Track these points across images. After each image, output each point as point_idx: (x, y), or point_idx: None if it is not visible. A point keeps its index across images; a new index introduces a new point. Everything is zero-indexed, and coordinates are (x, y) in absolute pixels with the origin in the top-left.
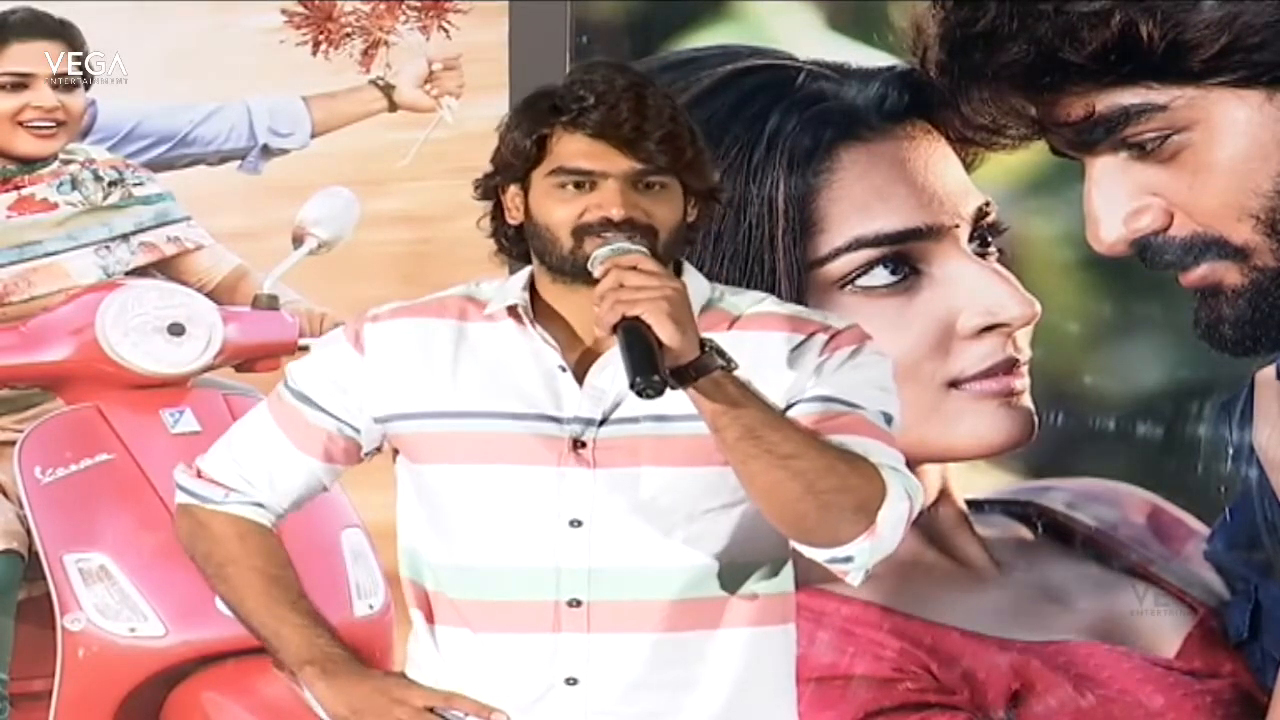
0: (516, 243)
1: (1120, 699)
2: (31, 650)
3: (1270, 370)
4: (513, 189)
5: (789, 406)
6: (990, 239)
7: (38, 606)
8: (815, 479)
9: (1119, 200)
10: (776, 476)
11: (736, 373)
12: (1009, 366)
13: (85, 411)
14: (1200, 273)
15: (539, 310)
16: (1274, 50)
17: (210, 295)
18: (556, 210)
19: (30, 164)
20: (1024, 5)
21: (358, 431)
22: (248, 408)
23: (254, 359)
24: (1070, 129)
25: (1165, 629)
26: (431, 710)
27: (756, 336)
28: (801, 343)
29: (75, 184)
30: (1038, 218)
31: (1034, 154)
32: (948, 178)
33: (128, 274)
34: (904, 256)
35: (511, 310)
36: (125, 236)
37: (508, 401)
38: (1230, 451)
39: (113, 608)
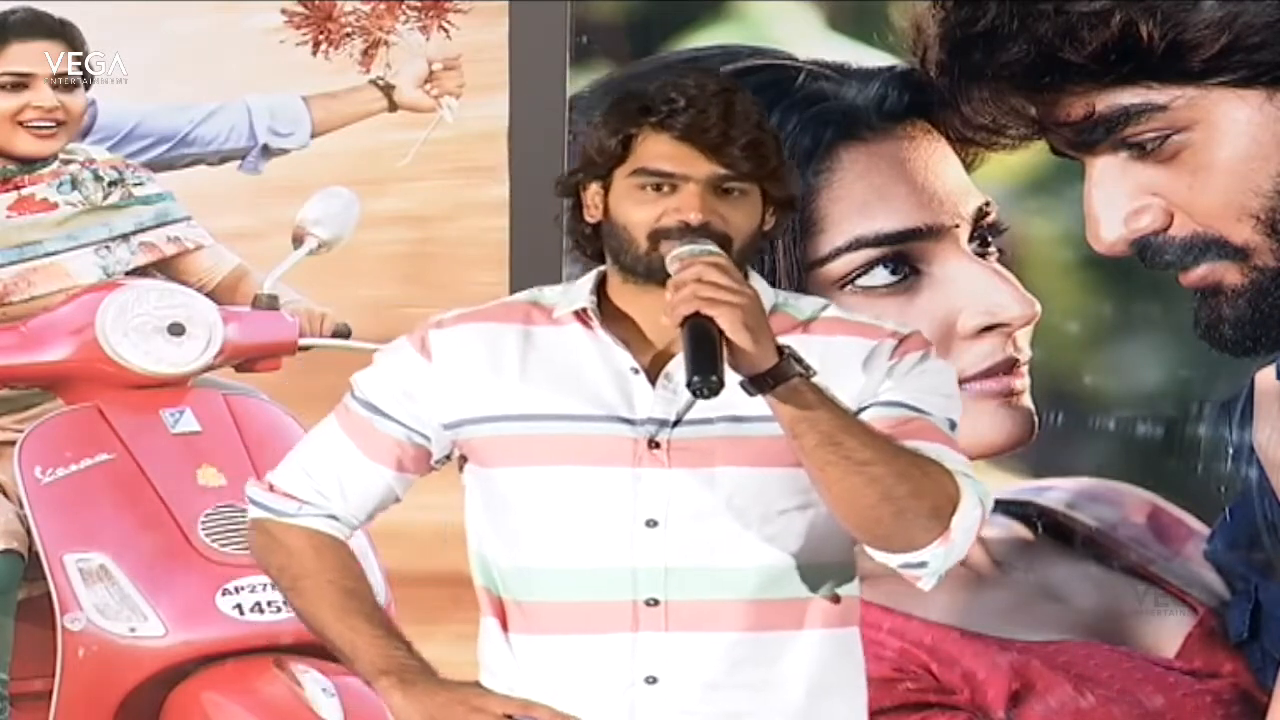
0: (592, 241)
1: (1120, 699)
2: (31, 650)
3: (1270, 370)
4: (594, 186)
5: (858, 411)
6: (990, 239)
7: (38, 606)
8: (891, 485)
9: (1119, 200)
10: (853, 482)
11: (813, 379)
12: (1009, 366)
13: (85, 411)
14: (1200, 273)
15: (607, 313)
16: (1274, 50)
17: (210, 295)
18: (635, 211)
19: (30, 164)
20: (1024, 5)
21: (427, 439)
22: (248, 408)
23: (254, 359)
24: (1070, 129)
25: (1165, 629)
26: (509, 718)
27: (825, 341)
28: (872, 348)
29: (75, 184)
30: (1038, 218)
31: (1034, 154)
32: (948, 178)
33: (128, 274)
34: (904, 256)
35: (578, 314)
36: (125, 236)
37: (580, 403)
38: (1230, 451)
39: (113, 607)
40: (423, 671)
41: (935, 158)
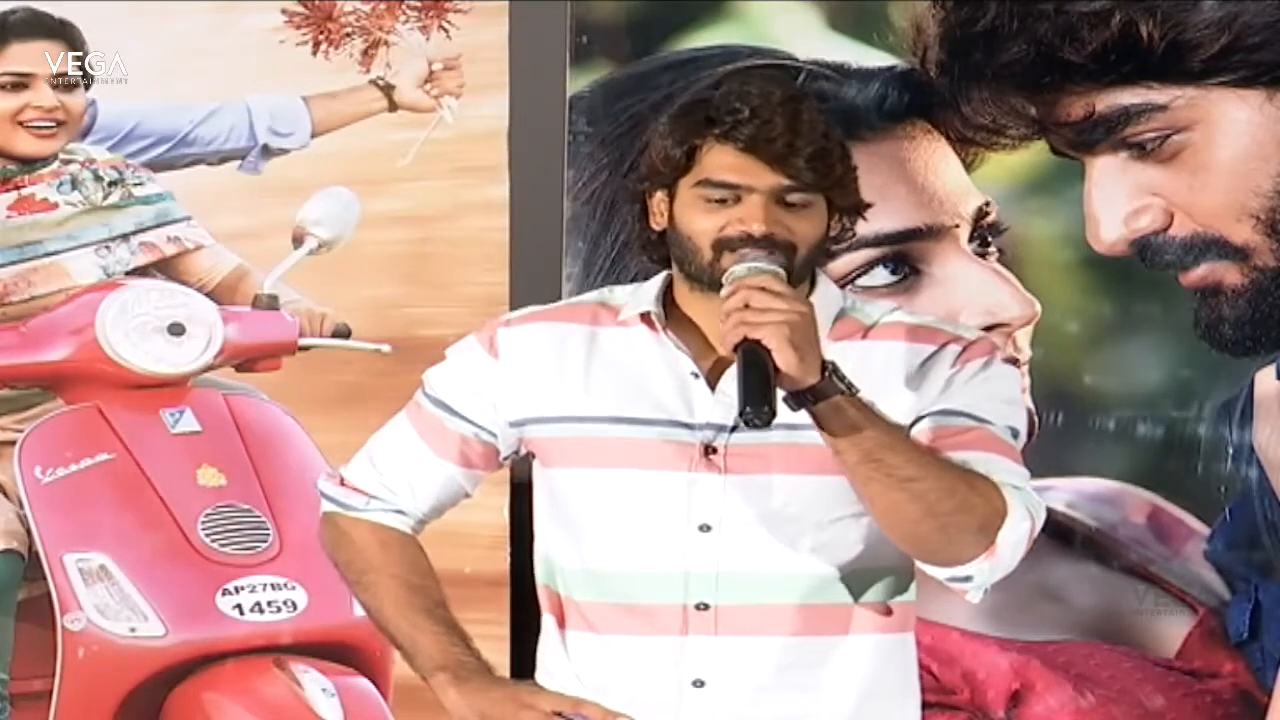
0: (658, 247)
1: (1120, 699)
2: (32, 650)
3: (1270, 371)
4: (659, 195)
5: (919, 419)
6: (990, 239)
7: (38, 606)
8: (936, 501)
9: (1119, 200)
10: (896, 499)
11: (864, 394)
12: None
13: (85, 411)
14: (1200, 273)
15: (673, 317)
16: (1274, 50)
17: (210, 295)
18: (699, 221)
19: (30, 164)
20: (1024, 5)
21: (494, 436)
22: (248, 408)
23: (254, 359)
24: (1070, 129)
25: (1165, 629)
26: (560, 715)
27: (889, 347)
28: (933, 354)
29: (75, 184)
30: (1038, 218)
31: (1034, 154)
32: (948, 178)
33: (128, 274)
34: (904, 256)
35: (645, 317)
36: (125, 236)
37: (640, 407)
38: (1230, 451)
39: (113, 607)
40: (478, 669)
41: (935, 158)
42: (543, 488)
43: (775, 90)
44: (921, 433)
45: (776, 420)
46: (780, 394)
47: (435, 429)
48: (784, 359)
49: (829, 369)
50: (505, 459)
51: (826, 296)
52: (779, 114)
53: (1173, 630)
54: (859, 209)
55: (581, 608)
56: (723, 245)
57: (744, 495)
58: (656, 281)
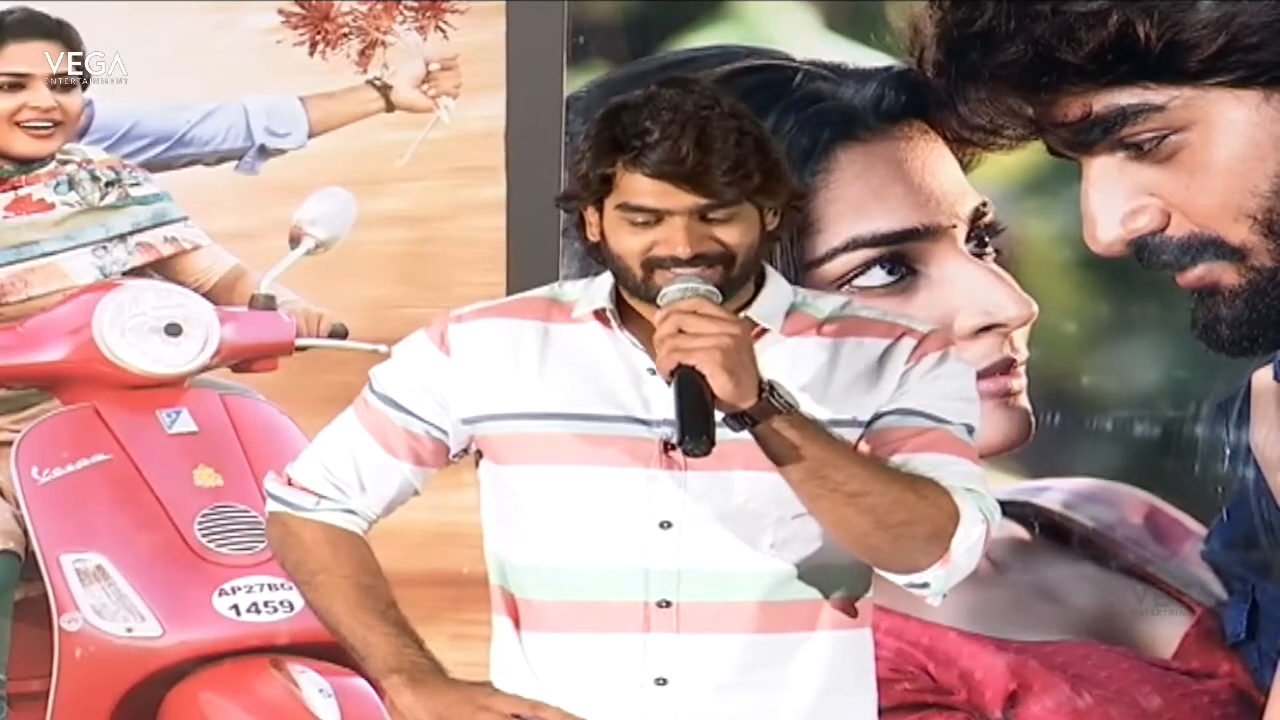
0: (598, 251)
1: (1118, 699)
2: (29, 650)
3: (1267, 371)
4: (590, 209)
5: (877, 416)
6: (987, 239)
7: (35, 607)
8: (885, 514)
9: (1116, 200)
10: (845, 513)
11: (818, 390)
12: (1006, 367)
13: (82, 411)
14: (1197, 273)
15: (626, 314)
16: (1271, 50)
17: (207, 295)
18: (626, 241)
19: (27, 164)
20: (1021, 5)
21: (445, 433)
22: (244, 408)
23: (251, 359)
24: (1067, 129)
25: (1163, 629)
26: (517, 717)
27: (842, 342)
28: (888, 348)
29: (72, 184)
30: (1035, 218)
31: (1031, 154)
32: (945, 178)
33: (125, 274)
34: (901, 257)
35: (599, 314)
36: (122, 237)
37: (597, 403)
38: (1227, 452)
39: (110, 608)
40: (433, 670)
41: (932, 158)
42: (493, 486)
43: (686, 101)
44: (879, 432)
45: None
46: (720, 415)
47: (384, 427)
48: (719, 384)
49: (766, 389)
50: (455, 456)
51: (776, 293)
52: (687, 131)
53: (1170, 630)
54: (794, 202)
55: (539, 608)
56: (653, 264)
57: (704, 492)
58: (608, 278)
